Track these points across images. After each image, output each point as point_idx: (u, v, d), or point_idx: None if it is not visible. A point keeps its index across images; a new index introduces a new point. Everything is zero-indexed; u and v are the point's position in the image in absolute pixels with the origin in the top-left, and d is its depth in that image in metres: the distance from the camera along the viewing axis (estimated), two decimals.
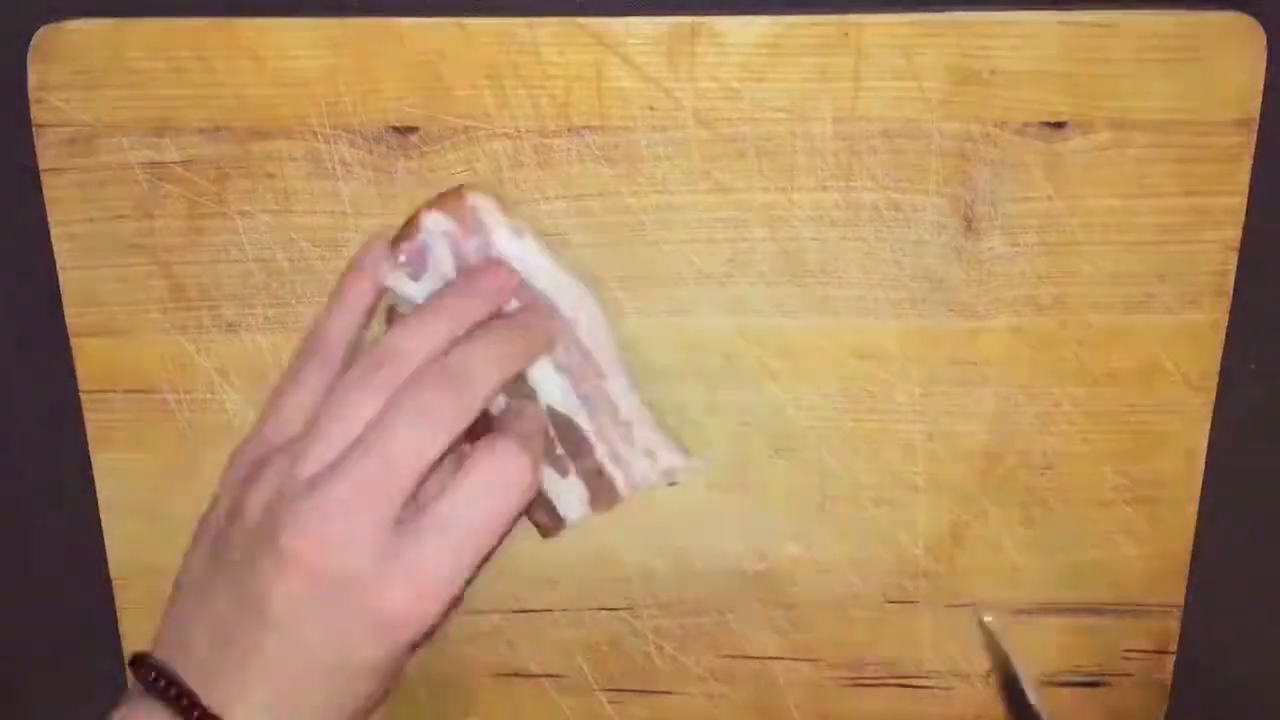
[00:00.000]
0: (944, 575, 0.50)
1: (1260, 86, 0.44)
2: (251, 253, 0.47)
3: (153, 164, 0.45)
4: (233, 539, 0.40)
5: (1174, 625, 0.51)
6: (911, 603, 0.51)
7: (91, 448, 0.49)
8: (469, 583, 0.41)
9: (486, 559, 0.41)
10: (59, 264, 0.47)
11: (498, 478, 0.40)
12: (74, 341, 0.47)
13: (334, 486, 0.38)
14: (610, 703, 0.52)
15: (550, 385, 0.45)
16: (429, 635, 0.41)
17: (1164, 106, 0.45)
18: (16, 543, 0.52)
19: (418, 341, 0.41)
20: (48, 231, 0.46)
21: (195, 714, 0.37)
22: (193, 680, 0.38)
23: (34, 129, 0.45)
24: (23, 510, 0.52)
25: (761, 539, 0.50)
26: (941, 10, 0.44)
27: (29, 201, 0.46)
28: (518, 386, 0.45)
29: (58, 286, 0.47)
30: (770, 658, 0.51)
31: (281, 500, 0.39)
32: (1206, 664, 0.53)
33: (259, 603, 0.38)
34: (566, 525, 0.47)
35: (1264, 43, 0.44)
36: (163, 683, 0.38)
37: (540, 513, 0.47)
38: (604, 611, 0.51)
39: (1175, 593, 0.51)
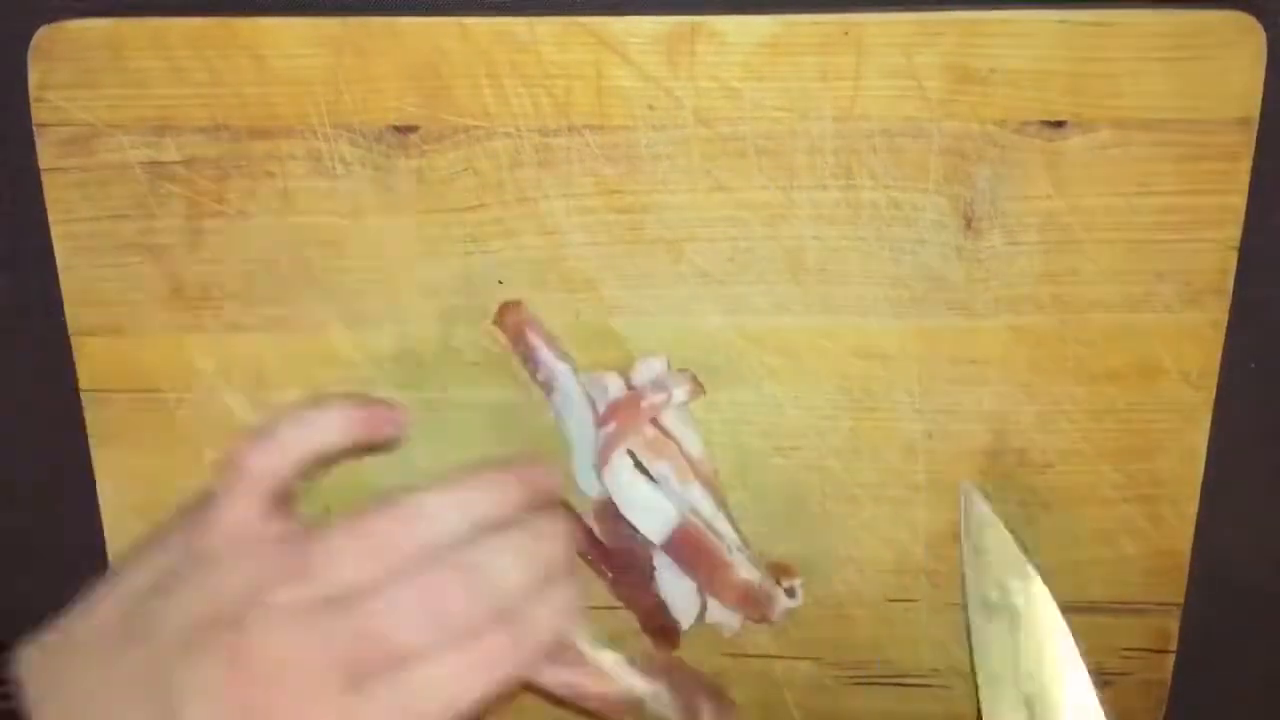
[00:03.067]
0: (944, 574, 0.50)
1: (1260, 85, 0.44)
2: (252, 252, 0.47)
3: (153, 163, 0.45)
4: (167, 616, 0.34)
5: (1173, 624, 0.51)
6: (912, 601, 0.51)
7: (91, 448, 0.49)
8: None
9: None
10: (59, 263, 0.47)
11: (481, 660, 0.34)
12: (74, 341, 0.48)
13: (302, 636, 0.33)
14: None
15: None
16: None
17: (1164, 105, 0.45)
18: (17, 542, 0.52)
19: (441, 522, 0.35)
20: (48, 231, 0.46)
21: None
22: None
23: (34, 128, 0.45)
24: (23, 510, 0.52)
25: (761, 539, 0.50)
26: (942, 9, 0.44)
27: (29, 201, 0.46)
28: None
29: (58, 286, 0.47)
30: (770, 656, 0.51)
31: (242, 615, 0.33)
32: (1206, 663, 0.53)
33: (167, 716, 0.33)
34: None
35: (1264, 42, 0.44)
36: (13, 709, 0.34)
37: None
38: (604, 611, 0.51)
39: (1175, 592, 0.51)
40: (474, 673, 0.34)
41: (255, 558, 0.34)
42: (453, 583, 0.34)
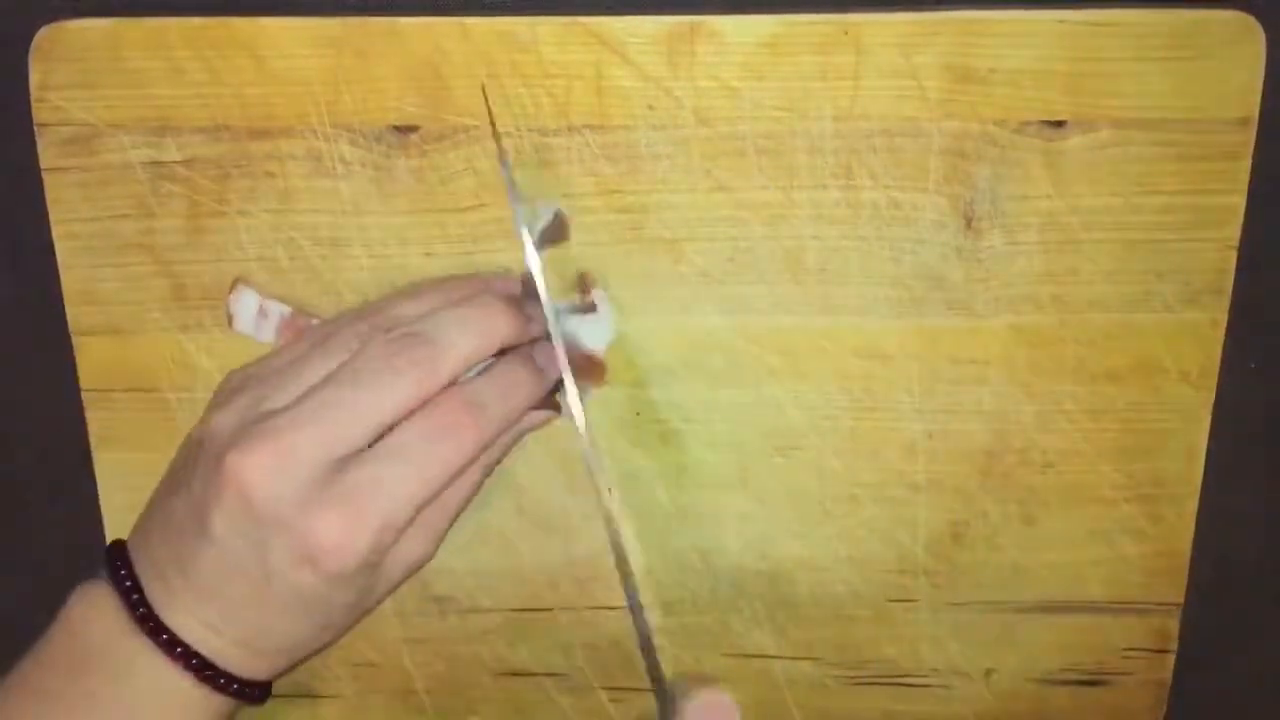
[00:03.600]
0: (944, 574, 0.50)
1: (1260, 85, 0.44)
2: (252, 252, 0.47)
3: (153, 163, 0.45)
4: (194, 456, 0.41)
5: (1174, 624, 0.51)
6: (912, 601, 0.51)
7: (92, 447, 0.49)
8: (429, 548, 0.42)
9: (448, 516, 0.42)
10: (59, 263, 0.47)
11: (441, 430, 0.40)
12: (75, 341, 0.48)
13: (285, 415, 0.39)
14: (611, 701, 0.52)
15: None
16: (380, 587, 0.41)
17: (1163, 105, 0.45)
18: (17, 542, 0.52)
19: (411, 305, 0.42)
20: (48, 231, 0.46)
21: (140, 609, 0.40)
22: (145, 576, 0.40)
23: (35, 128, 0.45)
24: (23, 510, 0.52)
25: (761, 538, 0.50)
26: (941, 9, 0.44)
27: (29, 201, 0.46)
28: None
29: (58, 286, 0.47)
30: (770, 656, 0.51)
31: (239, 426, 0.39)
32: (1206, 663, 0.53)
33: (201, 517, 0.39)
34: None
35: (1263, 41, 0.44)
36: (123, 571, 0.40)
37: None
38: (604, 610, 0.51)
39: (1175, 591, 0.51)
40: (437, 441, 0.40)
41: (252, 385, 0.41)
42: (404, 344, 0.40)
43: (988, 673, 0.52)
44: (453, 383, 0.41)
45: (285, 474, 0.38)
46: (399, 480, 0.39)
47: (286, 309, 0.47)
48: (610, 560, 0.44)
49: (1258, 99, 0.45)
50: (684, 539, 0.50)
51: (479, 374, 0.42)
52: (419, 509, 0.40)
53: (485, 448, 0.41)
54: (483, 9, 0.45)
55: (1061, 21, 0.44)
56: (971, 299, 0.47)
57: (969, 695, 0.52)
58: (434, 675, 0.51)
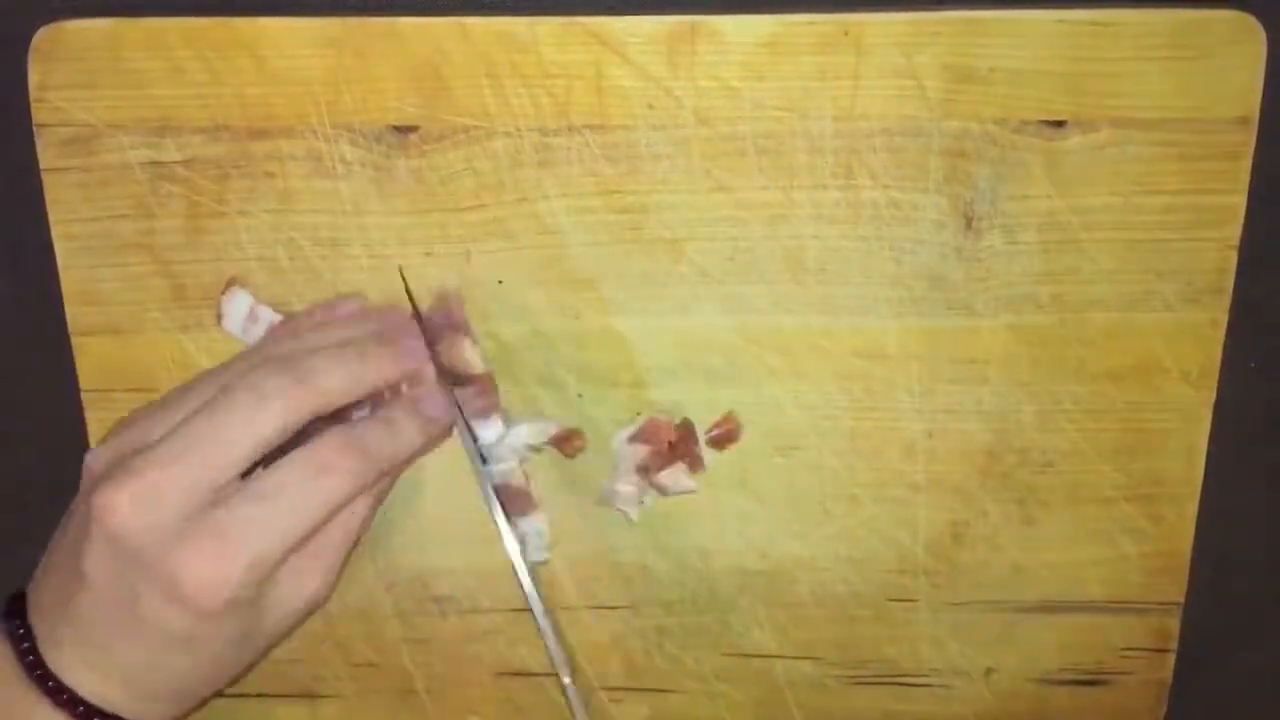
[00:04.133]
0: (944, 574, 0.50)
1: (1260, 84, 0.44)
2: (252, 252, 0.47)
3: (153, 163, 0.45)
4: (76, 499, 0.41)
5: (1174, 623, 0.51)
6: (912, 601, 0.51)
7: (92, 447, 0.48)
8: (322, 587, 0.42)
9: (338, 551, 0.42)
10: (59, 264, 0.47)
11: (318, 470, 0.39)
12: (74, 341, 0.48)
13: (153, 451, 0.39)
14: (611, 701, 0.52)
15: None
16: (265, 626, 0.41)
17: (1164, 104, 0.45)
18: (17, 543, 0.52)
19: (295, 343, 0.42)
20: (48, 231, 0.46)
21: (29, 656, 0.39)
22: (35, 623, 0.40)
23: (34, 129, 0.45)
24: (23, 510, 0.52)
25: (761, 538, 0.50)
26: (941, 9, 0.44)
27: (29, 201, 0.46)
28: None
29: (58, 286, 0.47)
30: (771, 656, 0.51)
31: (113, 460, 0.39)
32: (1206, 662, 0.53)
33: (75, 557, 0.39)
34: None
35: (1263, 40, 0.44)
36: (17, 620, 0.40)
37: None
38: (605, 610, 0.51)
39: (1175, 591, 0.51)
40: (313, 480, 0.39)
41: (126, 429, 0.41)
42: (272, 373, 0.39)
43: (988, 672, 0.52)
44: (335, 420, 0.41)
45: (151, 509, 0.38)
46: (269, 517, 0.39)
47: (277, 316, 0.47)
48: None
49: (1258, 99, 0.45)
50: (684, 539, 0.50)
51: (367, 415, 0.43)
52: (293, 546, 0.39)
53: (363, 489, 0.41)
54: (482, 9, 0.45)
55: (1061, 21, 0.44)
56: (971, 299, 0.47)
57: (969, 695, 0.52)
58: (434, 675, 0.51)
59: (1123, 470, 0.49)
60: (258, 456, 0.39)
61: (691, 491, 0.48)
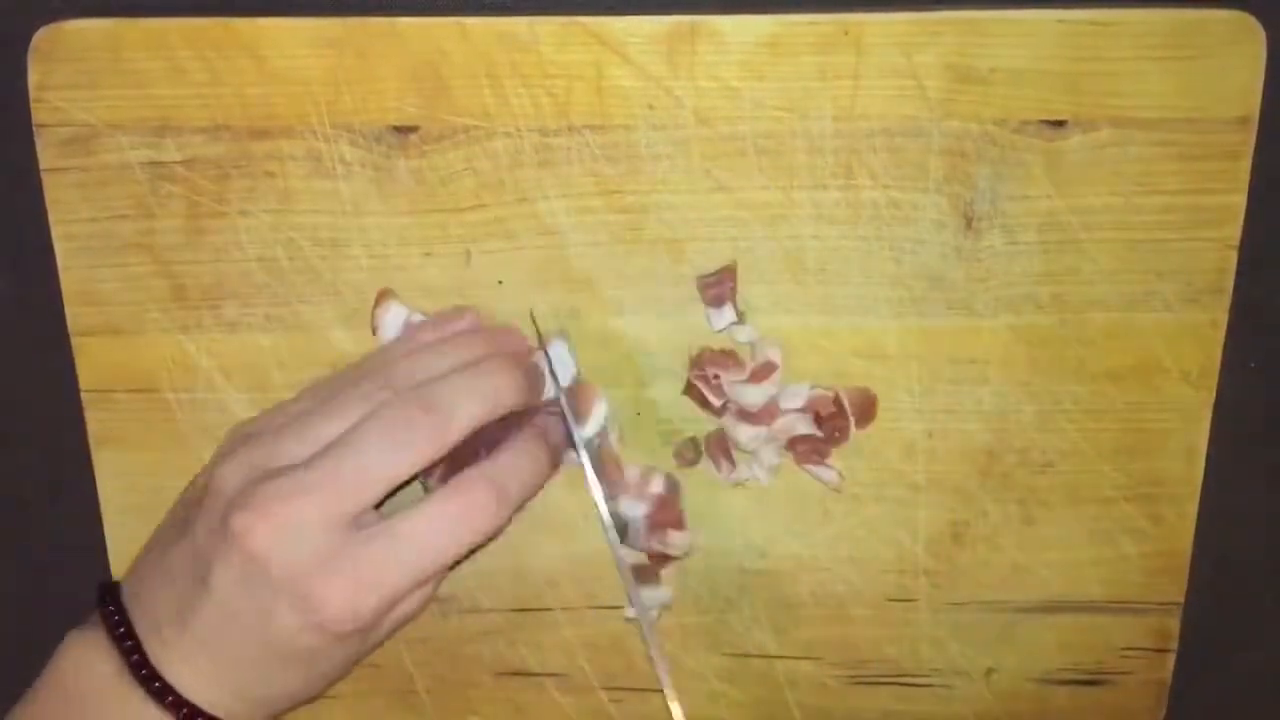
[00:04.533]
0: (944, 573, 0.50)
1: (1260, 84, 0.44)
2: (252, 252, 0.47)
3: (153, 163, 0.45)
4: (199, 508, 0.41)
5: (1174, 623, 0.51)
6: (912, 601, 0.51)
7: (91, 448, 0.49)
8: (420, 606, 0.42)
9: (435, 580, 0.42)
10: (59, 264, 0.47)
11: (462, 514, 0.41)
12: (74, 341, 0.47)
13: (294, 478, 0.39)
14: (611, 701, 0.52)
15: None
16: (371, 642, 0.42)
17: (1164, 104, 0.45)
18: (17, 543, 0.52)
19: (419, 364, 0.43)
20: (48, 231, 0.46)
21: (134, 655, 0.40)
22: (140, 624, 0.41)
23: (34, 129, 0.45)
24: (23, 510, 0.52)
25: (761, 538, 0.50)
26: (941, 9, 0.44)
27: (29, 201, 0.46)
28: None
29: (58, 286, 0.47)
30: (771, 656, 0.51)
31: (247, 482, 0.40)
32: (1207, 662, 0.53)
33: (204, 570, 0.40)
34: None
35: (1263, 40, 0.44)
36: (118, 619, 0.41)
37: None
38: (605, 610, 0.51)
39: (1175, 591, 0.51)
40: (457, 523, 0.40)
41: (258, 439, 0.41)
42: (413, 410, 0.40)
43: (988, 672, 0.52)
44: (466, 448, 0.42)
45: (294, 538, 0.39)
46: (413, 558, 0.40)
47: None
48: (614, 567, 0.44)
49: (1258, 98, 0.45)
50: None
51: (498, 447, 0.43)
52: (426, 581, 0.41)
53: (502, 528, 0.42)
54: (482, 9, 0.45)
55: (1062, 21, 0.44)
56: (971, 299, 0.47)
57: (969, 695, 0.52)
58: (434, 675, 0.51)
59: (1123, 470, 0.49)
60: (393, 490, 0.40)
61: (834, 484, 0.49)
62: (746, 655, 0.51)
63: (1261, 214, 0.46)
